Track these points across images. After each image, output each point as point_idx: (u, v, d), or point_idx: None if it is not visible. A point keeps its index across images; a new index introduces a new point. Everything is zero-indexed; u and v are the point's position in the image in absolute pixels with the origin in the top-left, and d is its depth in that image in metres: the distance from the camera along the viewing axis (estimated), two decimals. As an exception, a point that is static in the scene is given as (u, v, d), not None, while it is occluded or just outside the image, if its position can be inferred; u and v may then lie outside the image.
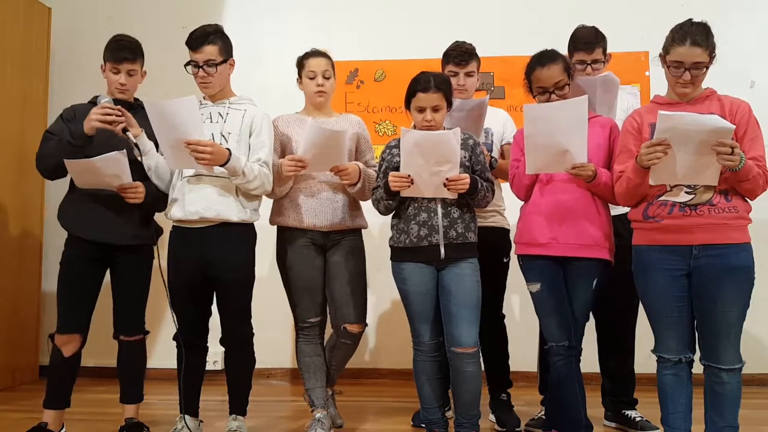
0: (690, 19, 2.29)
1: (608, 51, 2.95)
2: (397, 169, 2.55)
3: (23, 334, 3.94)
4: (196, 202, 2.66)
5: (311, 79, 2.90)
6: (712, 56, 2.25)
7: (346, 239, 2.89)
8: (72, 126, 2.66)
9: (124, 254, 2.76)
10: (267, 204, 2.93)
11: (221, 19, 4.28)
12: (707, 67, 2.26)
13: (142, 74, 2.84)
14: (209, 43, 2.71)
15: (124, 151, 2.62)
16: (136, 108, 2.81)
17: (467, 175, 2.52)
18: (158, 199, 2.79)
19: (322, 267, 2.89)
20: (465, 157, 2.59)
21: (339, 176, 2.77)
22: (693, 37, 2.23)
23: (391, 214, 2.69)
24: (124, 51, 2.75)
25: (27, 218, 4.08)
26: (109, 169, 2.62)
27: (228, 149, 2.61)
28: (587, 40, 2.88)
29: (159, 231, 2.87)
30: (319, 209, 2.84)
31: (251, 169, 2.65)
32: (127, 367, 2.85)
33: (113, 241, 2.72)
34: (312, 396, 2.88)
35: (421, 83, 2.56)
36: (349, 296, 2.87)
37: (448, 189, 2.49)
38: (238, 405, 2.81)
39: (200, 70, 2.70)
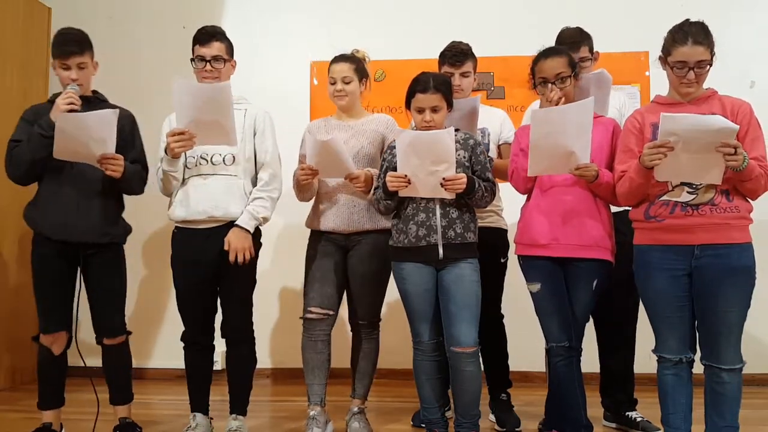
0: (687, 20, 2.30)
1: (596, 49, 2.98)
2: (395, 169, 2.55)
3: (23, 334, 3.91)
4: (202, 201, 2.69)
5: (332, 84, 2.92)
6: (712, 54, 2.26)
7: (366, 241, 2.87)
8: (39, 121, 2.60)
9: (93, 253, 2.71)
10: (302, 207, 3.00)
11: (221, 19, 4.29)
12: (710, 65, 2.26)
13: (94, 66, 2.75)
14: (218, 40, 2.76)
15: (117, 110, 2.58)
16: (94, 102, 2.77)
17: (464, 174, 2.51)
18: (137, 178, 2.75)
19: (340, 262, 2.89)
20: (465, 157, 2.59)
21: (351, 184, 2.77)
22: (694, 37, 2.24)
23: (392, 215, 2.69)
24: (69, 44, 2.66)
25: (26, 218, 4.08)
26: (98, 130, 2.54)
27: (245, 230, 2.69)
28: (572, 40, 2.92)
29: (128, 229, 2.85)
30: (336, 213, 2.87)
31: (264, 205, 2.74)
32: (114, 369, 2.82)
33: (79, 239, 2.67)
34: (309, 392, 2.88)
35: (420, 84, 2.56)
36: (361, 296, 2.90)
37: (445, 189, 2.49)
38: (238, 405, 2.82)
39: (207, 64, 2.72)
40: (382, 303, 2.97)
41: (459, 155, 2.54)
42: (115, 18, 4.34)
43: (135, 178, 2.75)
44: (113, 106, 2.78)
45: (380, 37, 4.25)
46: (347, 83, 2.90)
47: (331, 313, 2.88)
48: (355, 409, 2.95)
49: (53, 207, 2.67)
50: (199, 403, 2.82)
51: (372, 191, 2.77)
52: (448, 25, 4.10)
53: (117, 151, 2.62)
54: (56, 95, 2.69)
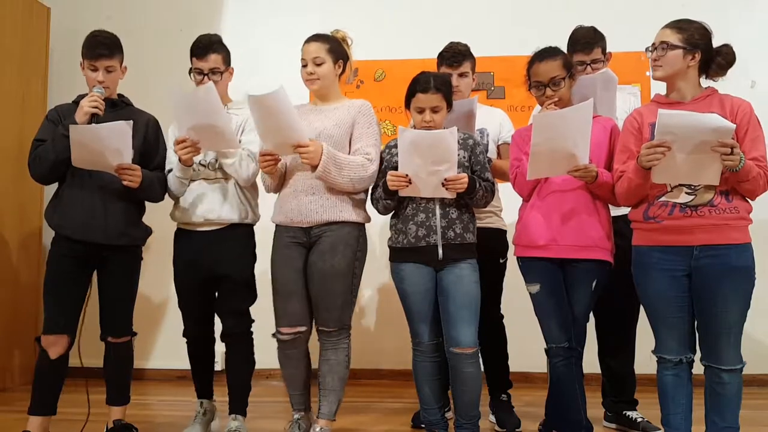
0: None
1: (608, 50, 2.95)
2: (396, 168, 2.55)
3: (23, 334, 3.93)
4: (200, 205, 2.73)
5: (303, 66, 2.73)
6: (693, 44, 2.26)
7: (327, 235, 2.62)
8: (64, 122, 2.63)
9: (111, 255, 2.71)
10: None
11: (221, 21, 4.28)
12: (683, 49, 2.26)
13: (122, 70, 2.77)
14: (214, 51, 2.77)
15: (131, 122, 2.59)
16: (119, 105, 2.79)
17: (465, 174, 2.51)
18: (156, 186, 2.76)
19: (302, 267, 2.65)
20: (464, 157, 2.59)
21: (299, 155, 2.55)
22: (673, 21, 2.27)
23: (390, 215, 2.69)
24: (100, 47, 2.68)
25: (26, 218, 4.08)
26: (113, 141, 2.55)
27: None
28: (585, 40, 2.89)
29: (148, 232, 2.86)
30: (294, 204, 2.65)
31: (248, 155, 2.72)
32: (115, 368, 2.81)
33: (100, 241, 2.67)
34: (292, 401, 2.82)
35: (420, 84, 2.56)
36: (323, 298, 2.61)
37: (447, 189, 2.49)
38: (237, 405, 2.83)
39: (205, 77, 2.74)
40: (351, 306, 2.68)
41: (459, 155, 2.54)
42: (115, 18, 4.33)
43: (154, 186, 2.75)
44: (138, 111, 2.83)
45: (380, 37, 4.26)
46: (318, 65, 2.68)
47: (303, 329, 2.65)
48: (318, 429, 2.63)
49: (76, 208, 2.67)
50: (204, 391, 2.88)
51: (318, 169, 2.56)
52: (448, 25, 4.10)
53: (142, 158, 2.68)
54: (81, 96, 2.71)
